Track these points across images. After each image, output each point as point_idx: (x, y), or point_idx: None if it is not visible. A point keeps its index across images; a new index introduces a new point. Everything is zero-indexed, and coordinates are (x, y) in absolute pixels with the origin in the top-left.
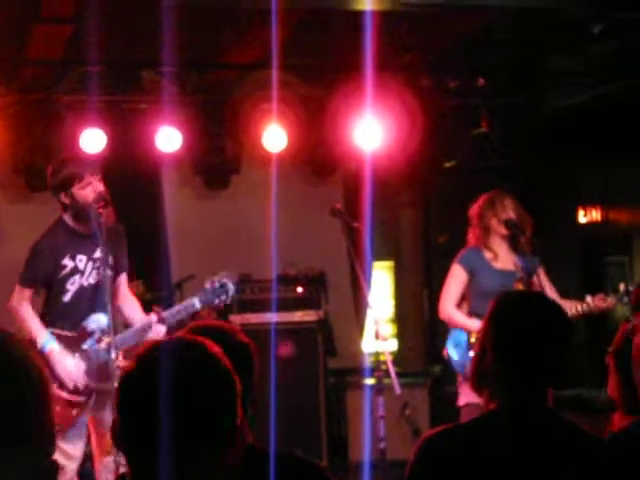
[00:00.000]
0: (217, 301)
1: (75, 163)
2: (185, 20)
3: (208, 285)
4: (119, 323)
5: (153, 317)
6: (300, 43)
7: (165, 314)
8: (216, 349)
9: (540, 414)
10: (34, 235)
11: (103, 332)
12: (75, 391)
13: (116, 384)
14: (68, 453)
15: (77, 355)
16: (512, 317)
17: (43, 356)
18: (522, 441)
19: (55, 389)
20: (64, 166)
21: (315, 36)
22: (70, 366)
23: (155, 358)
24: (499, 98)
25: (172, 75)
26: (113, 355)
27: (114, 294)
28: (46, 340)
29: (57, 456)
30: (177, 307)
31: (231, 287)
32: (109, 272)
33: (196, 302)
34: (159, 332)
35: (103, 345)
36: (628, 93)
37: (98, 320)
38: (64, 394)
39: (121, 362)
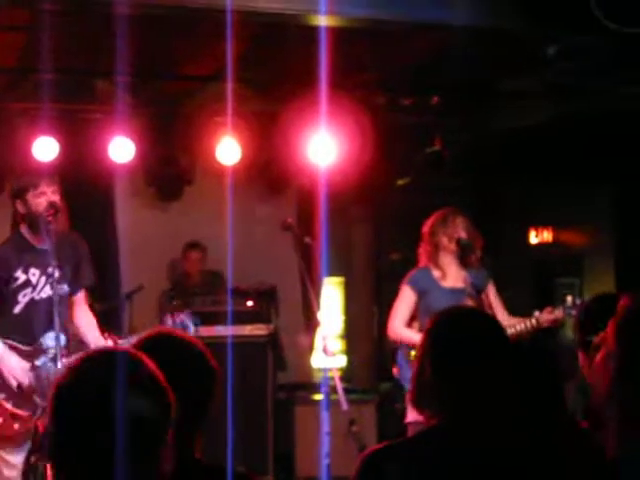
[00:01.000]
0: None
1: (32, 172)
2: (140, 30)
3: (169, 322)
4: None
5: (108, 343)
6: (255, 57)
7: (121, 342)
8: (149, 362)
9: (479, 429)
10: None
11: (58, 351)
12: (19, 399)
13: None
14: (10, 463)
15: (31, 371)
16: (447, 333)
17: None
18: (459, 457)
19: (1, 401)
20: (22, 174)
21: (270, 51)
22: (14, 365)
23: (87, 369)
24: (453, 117)
25: (126, 85)
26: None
27: (70, 309)
28: None
29: (0, 467)
30: (134, 337)
31: (191, 327)
32: (64, 287)
33: None
34: None
35: (56, 364)
36: (580, 115)
37: (55, 338)
38: (9, 406)
39: None
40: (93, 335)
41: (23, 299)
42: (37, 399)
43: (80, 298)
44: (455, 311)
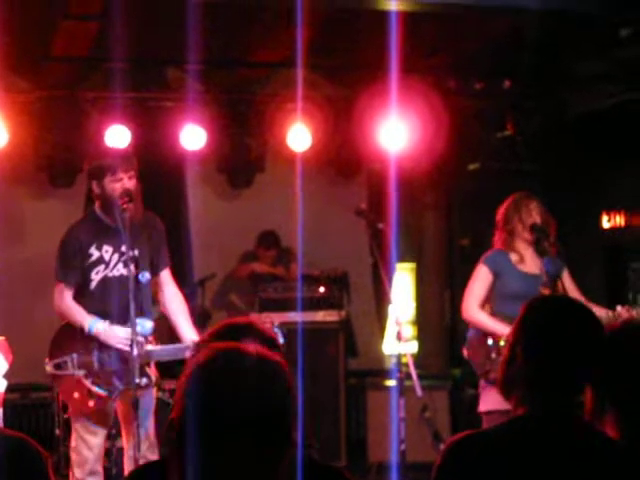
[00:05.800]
0: None
1: (111, 156)
2: (211, 18)
3: None
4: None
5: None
6: (326, 43)
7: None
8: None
9: (570, 421)
10: (56, 231)
11: (146, 338)
12: (98, 378)
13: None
14: (89, 443)
15: (113, 352)
16: (543, 321)
17: (92, 338)
18: (550, 448)
19: (81, 377)
20: (101, 156)
21: (341, 36)
22: (121, 334)
23: (211, 371)
24: (525, 101)
25: (197, 73)
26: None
27: (157, 290)
28: (91, 323)
29: (79, 445)
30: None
31: (281, 340)
32: (146, 273)
33: None
34: None
35: (142, 349)
36: None
37: (143, 324)
38: (87, 383)
39: (151, 370)
40: (182, 324)
41: (96, 276)
42: (116, 381)
43: (166, 277)
44: (549, 299)
